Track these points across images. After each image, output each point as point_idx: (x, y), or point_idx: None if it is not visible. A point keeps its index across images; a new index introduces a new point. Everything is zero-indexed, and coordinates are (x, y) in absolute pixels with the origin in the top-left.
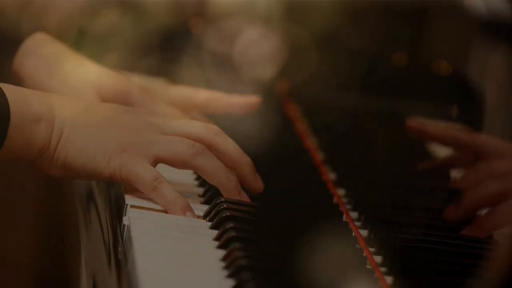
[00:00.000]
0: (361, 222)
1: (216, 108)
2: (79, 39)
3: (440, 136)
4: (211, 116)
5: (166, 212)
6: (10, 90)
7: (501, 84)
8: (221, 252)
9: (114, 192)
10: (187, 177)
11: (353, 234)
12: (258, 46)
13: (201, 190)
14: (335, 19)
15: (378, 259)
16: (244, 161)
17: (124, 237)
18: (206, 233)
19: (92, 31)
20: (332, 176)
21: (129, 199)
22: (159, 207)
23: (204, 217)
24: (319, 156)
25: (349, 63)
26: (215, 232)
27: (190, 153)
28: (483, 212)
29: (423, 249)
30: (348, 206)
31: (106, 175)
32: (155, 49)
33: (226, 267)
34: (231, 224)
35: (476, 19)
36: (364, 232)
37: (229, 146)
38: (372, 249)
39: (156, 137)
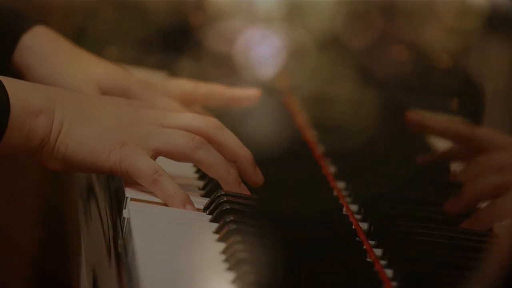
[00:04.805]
0: (361, 215)
1: (216, 102)
2: (80, 32)
3: (440, 129)
4: (211, 109)
5: (166, 205)
6: (10, 83)
7: (501, 77)
8: (221, 245)
9: (114, 185)
10: (187, 170)
11: (353, 227)
12: (258, 41)
13: (201, 183)
14: (335, 11)
15: (378, 252)
16: (244, 154)
17: (124, 230)
18: (206, 226)
19: (93, 24)
20: (332, 169)
21: (129, 192)
22: (159, 200)
23: (204, 210)
24: (319, 149)
25: (350, 56)
26: (215, 225)
27: (190, 146)
28: (483, 205)
29: (423, 242)
30: (348, 199)
31: (106, 168)
32: (155, 43)
33: (226, 260)
34: (231, 217)
35: (477, 12)
36: (364, 225)
37: (229, 139)
38: (372, 242)
39: (156, 130)
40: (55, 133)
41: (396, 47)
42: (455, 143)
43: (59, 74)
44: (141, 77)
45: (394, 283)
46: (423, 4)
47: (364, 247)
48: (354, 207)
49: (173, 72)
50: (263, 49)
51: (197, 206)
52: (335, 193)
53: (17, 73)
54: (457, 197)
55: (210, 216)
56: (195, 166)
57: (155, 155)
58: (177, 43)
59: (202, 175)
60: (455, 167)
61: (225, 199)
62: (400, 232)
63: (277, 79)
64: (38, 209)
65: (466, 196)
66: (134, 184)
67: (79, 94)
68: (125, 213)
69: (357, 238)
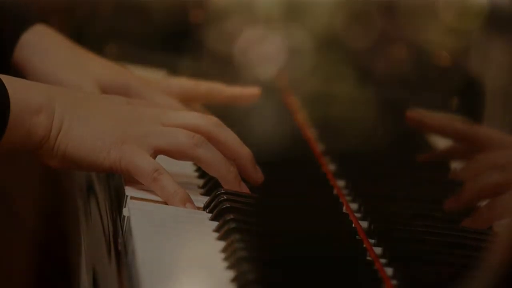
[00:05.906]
0: (361, 214)
1: (216, 100)
2: (80, 31)
3: (440, 127)
4: (211, 107)
5: (166, 203)
6: (10, 81)
7: (501, 76)
8: (221, 244)
9: (114, 183)
10: (187, 168)
11: (353, 225)
12: (258, 40)
13: (201, 182)
14: (335, 11)
15: (378, 250)
16: (244, 152)
17: (124, 229)
18: (206, 225)
19: (93, 23)
20: (332, 167)
21: (129, 191)
22: (159, 199)
23: (204, 208)
24: (319, 147)
25: (350, 55)
26: (215, 224)
27: (190, 144)
28: (483, 203)
29: (423, 240)
30: (348, 198)
31: (106, 166)
32: (155, 41)
33: (226, 259)
34: (231, 216)
35: (477, 12)
36: (364, 224)
37: (229, 137)
38: (372, 241)
39: (156, 128)
40: (55, 131)
41: (396, 46)
42: (456, 141)
43: (59, 72)
44: (141, 75)
45: (394, 282)
46: (423, 3)
47: (364, 245)
48: (354, 206)
49: (173, 70)
50: (263, 48)
51: (197, 204)
52: (335, 191)
53: (17, 72)
54: (457, 195)
55: (210, 215)
56: (195, 164)
57: (155, 153)
58: (177, 41)
59: (202, 174)
60: (455, 165)
61: (225, 197)
62: (400, 230)
63: (277, 77)
64: (38, 209)
65: (467, 194)
66: (134, 182)
67: (79, 93)
68: (125, 211)
69: (357, 237)
